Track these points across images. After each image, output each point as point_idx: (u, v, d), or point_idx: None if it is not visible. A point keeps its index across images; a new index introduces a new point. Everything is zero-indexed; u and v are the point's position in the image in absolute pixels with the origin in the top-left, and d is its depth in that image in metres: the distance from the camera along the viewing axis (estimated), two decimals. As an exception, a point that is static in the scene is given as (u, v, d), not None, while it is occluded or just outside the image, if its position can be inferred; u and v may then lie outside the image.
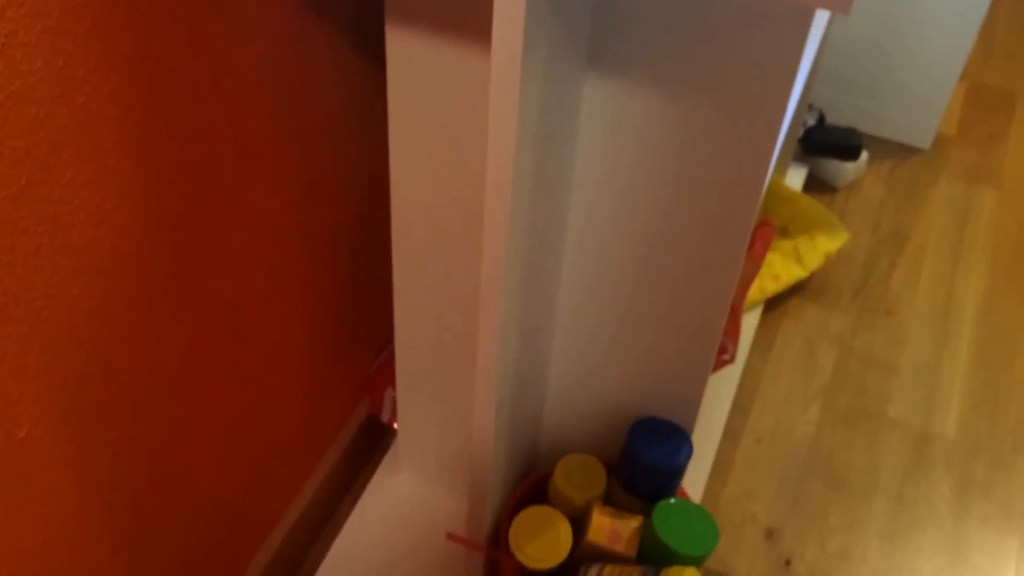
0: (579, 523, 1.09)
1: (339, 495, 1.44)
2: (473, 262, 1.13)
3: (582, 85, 0.93)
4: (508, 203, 0.85)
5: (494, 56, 0.78)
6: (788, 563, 1.41)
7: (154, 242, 0.89)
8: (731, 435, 1.58)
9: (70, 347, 0.83)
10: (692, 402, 1.13)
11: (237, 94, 0.94)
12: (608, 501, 1.13)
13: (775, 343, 1.75)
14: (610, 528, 1.05)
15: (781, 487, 1.51)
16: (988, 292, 1.87)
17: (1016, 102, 2.29)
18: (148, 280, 0.90)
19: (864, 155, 2.07)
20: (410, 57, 0.98)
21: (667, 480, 1.08)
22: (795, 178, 2.04)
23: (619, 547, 1.04)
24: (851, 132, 2.03)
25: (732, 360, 1.51)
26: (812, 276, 1.85)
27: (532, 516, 1.08)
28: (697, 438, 1.52)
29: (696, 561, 1.02)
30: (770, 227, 1.65)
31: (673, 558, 1.01)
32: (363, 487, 1.45)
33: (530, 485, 1.17)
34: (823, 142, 2.03)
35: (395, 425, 1.40)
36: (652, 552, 1.03)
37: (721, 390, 1.62)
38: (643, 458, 1.07)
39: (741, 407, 1.63)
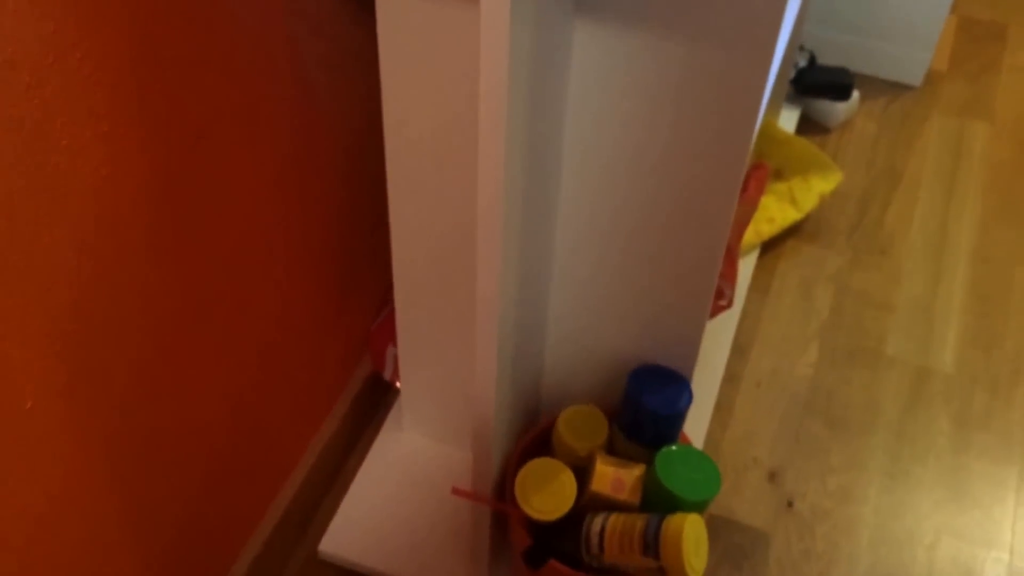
0: (582, 473, 1.11)
1: (345, 453, 1.45)
2: (470, 215, 1.13)
3: (572, 26, 0.92)
4: (502, 145, 0.85)
5: (484, 17, 0.78)
6: (791, 504, 1.43)
7: (153, 201, 0.90)
8: (731, 379, 1.60)
9: (70, 311, 0.83)
10: (691, 347, 1.14)
11: (229, 44, 0.94)
12: (610, 450, 1.14)
13: (772, 285, 1.75)
14: (613, 477, 1.06)
15: (782, 429, 1.53)
16: (982, 226, 1.87)
17: (1007, 34, 2.28)
18: (147, 239, 0.90)
19: (856, 94, 2.06)
20: (400, 8, 0.98)
21: (668, 426, 1.09)
22: (788, 119, 2.04)
23: (623, 495, 1.06)
24: (842, 71, 2.02)
25: (730, 305, 1.51)
26: (807, 217, 1.86)
27: (536, 468, 1.09)
28: (697, 383, 1.53)
29: (699, 507, 1.03)
30: (764, 169, 1.65)
31: (677, 504, 1.02)
32: (368, 445, 1.46)
33: (533, 437, 1.18)
34: (815, 82, 2.02)
35: (398, 383, 1.41)
36: (656, 499, 1.04)
37: (720, 334, 1.63)
38: (644, 405, 1.08)
39: (740, 350, 1.64)
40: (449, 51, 0.99)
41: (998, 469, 1.49)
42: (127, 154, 0.85)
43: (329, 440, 1.38)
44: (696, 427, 1.48)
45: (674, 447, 1.06)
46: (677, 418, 1.09)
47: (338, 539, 1.32)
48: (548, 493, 1.07)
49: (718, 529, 1.40)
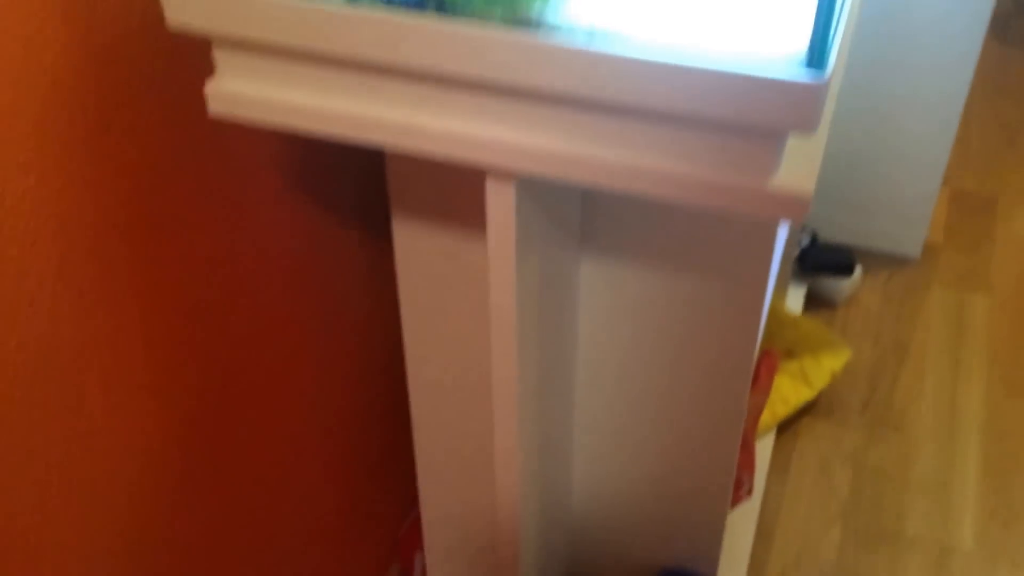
0: None
1: (373, 663, 1.45)
2: (489, 426, 1.16)
3: (577, 262, 0.98)
4: (515, 375, 0.90)
5: (491, 253, 0.83)
6: None
7: (183, 441, 0.94)
8: (757, 566, 1.60)
9: (107, 559, 0.86)
10: (713, 543, 1.16)
11: (253, 289, 1.00)
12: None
13: (791, 466, 1.77)
14: None
15: (809, 616, 1.52)
16: (990, 399, 1.90)
17: (998, 205, 2.36)
18: (176, 478, 0.94)
19: (858, 270, 2.12)
20: (416, 244, 1.04)
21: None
22: (795, 297, 2.09)
23: None
24: (844, 250, 2.09)
25: (750, 493, 1.53)
26: (820, 394, 1.89)
27: None
28: (723, 574, 1.53)
29: None
30: (774, 356, 1.69)
31: None
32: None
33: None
34: (818, 261, 2.08)
35: (423, 590, 1.42)
36: None
37: (743, 521, 1.64)
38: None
39: (764, 535, 1.65)
40: (464, 278, 1.05)
41: (1031, 651, 1.47)
42: (160, 404, 0.89)
43: (357, 652, 1.39)
44: (723, 620, 1.48)
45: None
46: (701, 626, 1.10)
47: None
48: None
49: None
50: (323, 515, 1.24)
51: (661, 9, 0.66)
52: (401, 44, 0.69)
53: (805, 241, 2.10)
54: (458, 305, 1.07)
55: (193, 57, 0.83)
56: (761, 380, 1.60)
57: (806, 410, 1.88)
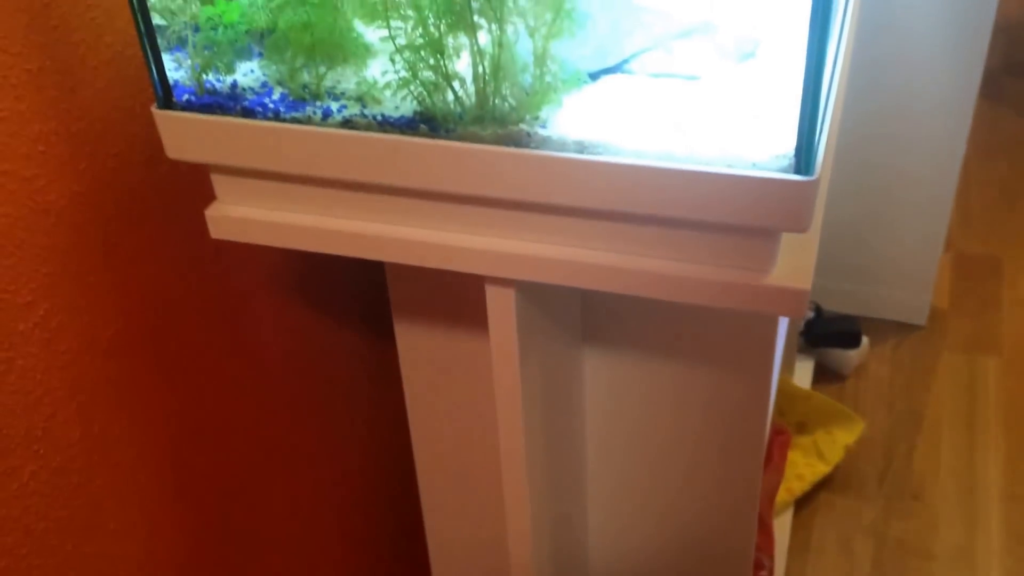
0: None
1: None
2: (502, 514, 1.16)
3: (581, 356, 0.98)
4: (524, 474, 0.90)
5: (494, 355, 0.84)
6: None
7: (194, 553, 0.93)
8: (781, 650, 1.57)
9: None
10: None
11: (260, 398, 1.00)
12: None
13: (811, 543, 1.75)
14: None
15: None
16: (1009, 463, 1.88)
17: (1002, 267, 2.36)
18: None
19: (865, 340, 2.11)
20: (418, 344, 1.04)
21: None
22: (803, 370, 2.08)
23: None
24: (849, 320, 2.09)
25: (771, 574, 1.51)
26: (836, 468, 1.87)
27: None
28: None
29: None
30: (786, 434, 1.68)
31: None
32: None
33: None
34: (824, 334, 2.08)
35: None
36: None
37: (763, 604, 1.62)
38: None
39: (786, 618, 1.62)
40: (467, 375, 1.05)
41: None
42: (170, 521, 0.89)
43: None
44: None
45: None
46: None
47: None
48: None
49: None
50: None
51: (647, 118, 0.67)
52: (394, 164, 0.70)
53: (809, 314, 2.10)
54: (463, 401, 1.07)
55: (194, 181, 0.84)
56: (774, 459, 1.59)
57: (823, 485, 1.86)
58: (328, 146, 0.71)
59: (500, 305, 0.80)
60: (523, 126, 0.67)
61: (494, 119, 0.67)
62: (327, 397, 1.12)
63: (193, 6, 0.69)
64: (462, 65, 0.67)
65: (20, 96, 0.66)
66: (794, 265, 0.70)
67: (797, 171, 0.62)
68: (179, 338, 0.87)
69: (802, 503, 1.83)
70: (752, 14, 0.78)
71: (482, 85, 0.67)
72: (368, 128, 0.70)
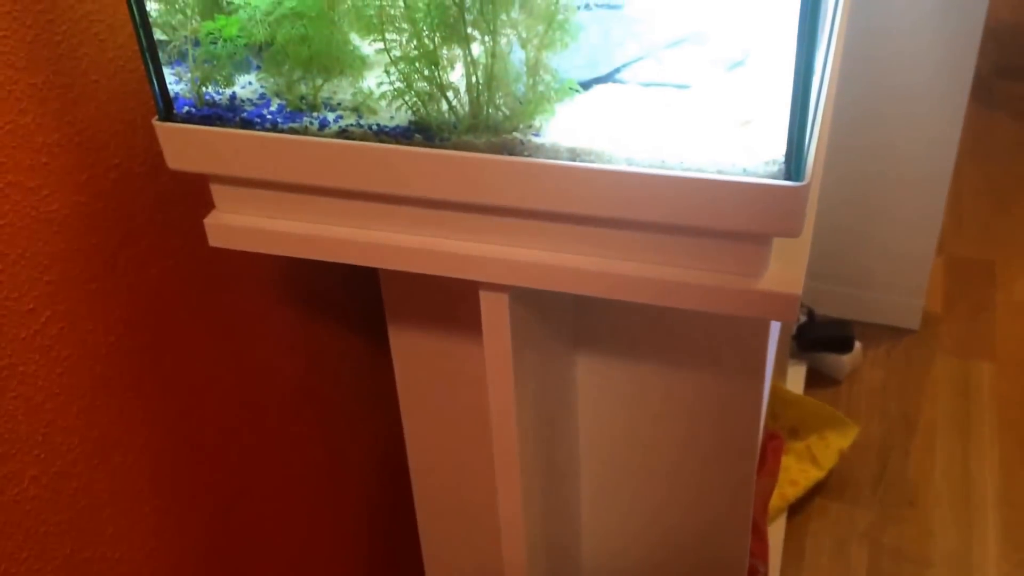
0: None
1: None
2: (495, 519, 1.16)
3: (573, 359, 0.99)
4: (518, 479, 0.91)
5: (488, 360, 0.85)
6: None
7: (191, 559, 0.94)
8: (776, 654, 1.58)
9: None
10: (729, 644, 1.15)
11: (256, 405, 1.01)
12: None
13: (805, 549, 1.76)
14: None
15: None
16: (1004, 468, 1.89)
17: (995, 270, 2.37)
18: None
19: (858, 345, 2.12)
20: (412, 348, 1.05)
21: None
22: (796, 375, 2.09)
23: None
24: (842, 324, 2.10)
25: (764, 579, 1.52)
26: (830, 473, 1.88)
27: None
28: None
29: None
30: (779, 439, 1.69)
31: None
32: None
33: None
34: (817, 338, 2.09)
35: None
36: None
37: (759, 608, 1.62)
38: None
39: (782, 622, 1.63)
40: (461, 379, 1.06)
41: None
42: (167, 525, 0.90)
43: None
44: None
45: None
46: None
47: None
48: None
49: None
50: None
51: (638, 126, 0.69)
52: (390, 173, 0.71)
53: (802, 318, 2.11)
54: (457, 405, 1.08)
55: (192, 191, 0.86)
56: (768, 464, 1.60)
57: (817, 490, 1.87)
58: (325, 155, 0.72)
59: (494, 311, 0.82)
60: (516, 134, 0.68)
61: (488, 128, 0.69)
62: (323, 403, 1.13)
63: (194, 21, 0.70)
64: (456, 75, 0.68)
65: (24, 109, 0.68)
66: (786, 270, 0.71)
67: (787, 177, 0.63)
68: (178, 345, 0.88)
69: (796, 509, 1.84)
70: (741, 23, 0.79)
71: (476, 95, 0.68)
72: (364, 138, 0.71)
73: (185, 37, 0.71)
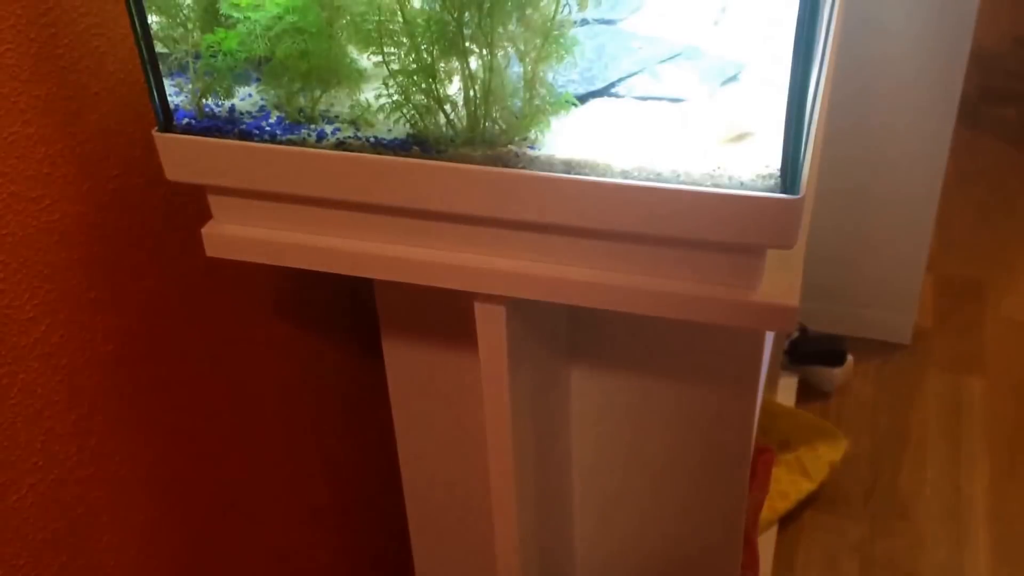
0: None
1: None
2: (489, 532, 1.17)
3: (568, 370, 1.00)
4: (512, 490, 0.91)
5: (483, 371, 0.85)
6: None
7: (186, 567, 0.94)
8: (768, 666, 1.58)
9: None
10: (721, 654, 1.15)
11: (250, 413, 1.01)
12: None
13: (796, 562, 1.77)
14: None
15: None
16: (994, 483, 1.90)
17: (984, 287, 2.39)
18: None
19: (849, 359, 2.14)
20: (406, 359, 1.05)
21: None
22: (787, 388, 2.10)
23: None
24: (834, 339, 2.11)
25: (756, 592, 1.52)
26: (821, 486, 1.89)
27: None
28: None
29: None
30: (770, 452, 1.69)
31: None
32: None
33: None
34: (809, 352, 2.10)
35: None
36: None
37: (750, 621, 1.63)
38: None
39: (773, 635, 1.63)
40: (454, 390, 1.06)
41: None
42: (162, 534, 0.90)
43: None
44: None
45: None
46: None
47: None
48: None
49: None
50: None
51: (634, 139, 0.70)
52: (387, 185, 0.72)
53: (795, 333, 2.12)
54: (449, 415, 1.08)
55: (190, 201, 0.86)
56: (758, 476, 1.60)
57: (808, 503, 1.87)
58: (323, 167, 0.73)
59: (490, 322, 0.82)
60: (512, 147, 0.69)
61: (484, 141, 0.69)
62: (318, 412, 1.14)
63: (194, 34, 0.71)
64: (453, 89, 0.69)
65: (28, 120, 0.68)
66: (781, 282, 0.72)
67: (783, 190, 0.64)
68: (175, 354, 0.88)
69: (787, 521, 1.84)
70: (733, 39, 0.80)
71: (473, 108, 0.69)
72: (361, 150, 0.72)
73: (185, 50, 0.72)
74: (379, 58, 0.68)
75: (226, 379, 0.96)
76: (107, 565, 0.84)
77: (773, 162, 0.66)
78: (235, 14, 0.67)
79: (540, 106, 0.68)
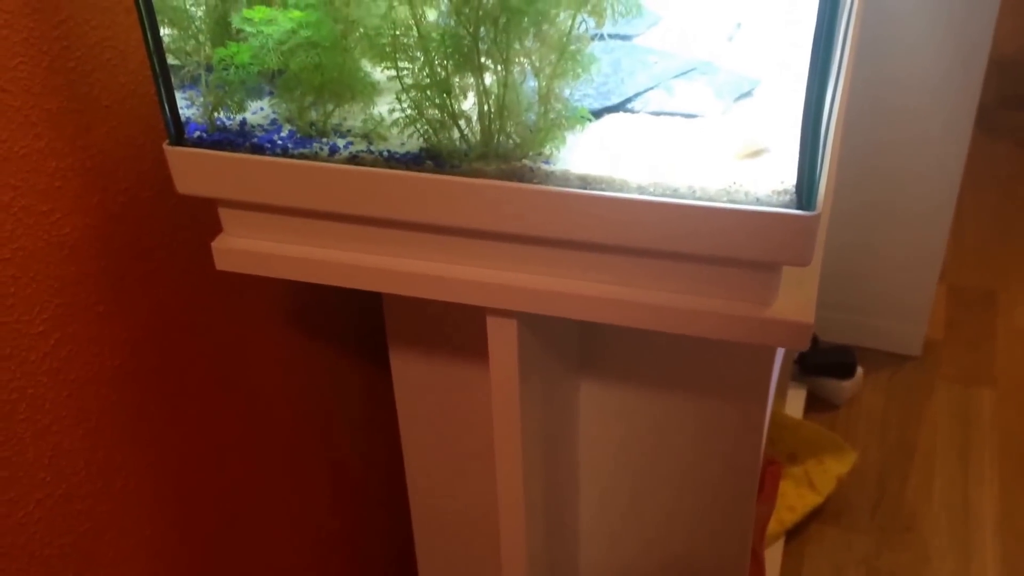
0: None
1: None
2: (494, 545, 1.16)
3: (577, 383, 0.99)
4: (521, 501, 0.91)
5: (494, 384, 0.85)
6: None
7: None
8: None
9: None
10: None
11: (259, 426, 1.01)
12: None
13: (802, 574, 1.76)
14: None
15: None
16: (1003, 496, 1.89)
17: (996, 299, 2.38)
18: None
19: (859, 370, 2.13)
20: (413, 372, 1.05)
21: None
22: (796, 400, 2.09)
23: None
24: (844, 350, 2.10)
25: (764, 605, 1.52)
26: (827, 499, 1.88)
27: None
28: None
29: None
30: (777, 465, 1.68)
31: None
32: None
33: None
34: (818, 363, 2.09)
35: None
36: None
37: (758, 634, 1.62)
38: None
39: (781, 649, 1.62)
40: (462, 404, 1.06)
41: None
42: (168, 550, 0.90)
43: None
44: None
45: None
46: None
47: None
48: None
49: None
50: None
51: (649, 155, 0.69)
52: (400, 199, 0.71)
53: (805, 344, 2.11)
54: (456, 429, 1.08)
55: (199, 215, 0.86)
56: (766, 489, 1.59)
57: (814, 516, 1.86)
58: (336, 181, 0.72)
59: (501, 336, 0.82)
60: (527, 162, 0.68)
61: (498, 155, 0.69)
62: (325, 426, 1.13)
63: (206, 47, 0.71)
64: (468, 104, 0.69)
65: (39, 134, 0.68)
66: (796, 298, 0.71)
67: (799, 206, 0.64)
68: (183, 367, 0.88)
69: (793, 534, 1.83)
70: (749, 55, 0.80)
71: (487, 123, 0.68)
72: (374, 164, 0.71)
73: (197, 63, 0.72)
74: (392, 72, 0.68)
75: (234, 394, 0.96)
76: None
77: (788, 178, 0.65)
78: (248, 28, 0.67)
79: (555, 121, 0.67)
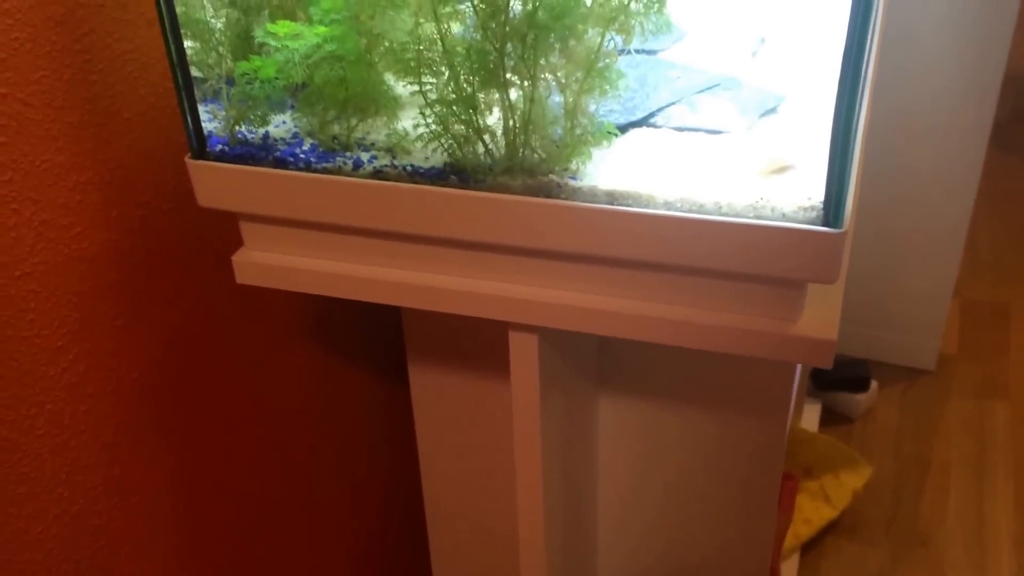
0: None
1: None
2: (513, 560, 1.15)
3: (596, 397, 0.99)
4: (541, 514, 0.90)
5: (515, 398, 0.84)
6: None
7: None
8: None
9: None
10: None
11: (278, 438, 1.00)
12: None
13: (818, 589, 1.74)
14: None
15: None
16: (1017, 510, 1.88)
17: (1010, 313, 2.37)
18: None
19: (874, 384, 2.12)
20: (432, 385, 1.04)
21: None
22: (811, 414, 2.08)
23: None
24: (859, 364, 2.09)
25: (779, 621, 1.50)
26: (843, 513, 1.87)
27: None
28: None
29: None
30: (794, 479, 1.68)
31: None
32: None
33: None
34: (833, 377, 2.08)
35: None
36: None
37: (773, 651, 1.61)
38: None
39: (796, 665, 1.61)
40: (480, 417, 1.05)
41: None
42: (186, 562, 0.89)
43: None
44: None
45: None
46: None
47: None
48: None
49: None
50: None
51: (676, 170, 0.68)
52: (424, 214, 0.71)
53: (819, 357, 2.10)
54: (474, 443, 1.07)
55: (218, 229, 0.85)
56: (782, 503, 1.58)
57: (830, 529, 1.85)
58: (359, 196, 0.71)
59: (523, 351, 0.81)
60: (553, 176, 0.68)
61: (524, 170, 0.68)
62: (343, 440, 1.13)
63: (228, 61, 0.70)
64: (493, 119, 0.68)
65: (60, 148, 0.67)
66: (820, 314, 0.71)
67: (826, 223, 0.63)
68: (200, 382, 0.87)
69: (809, 548, 1.82)
70: (773, 70, 0.79)
71: (512, 138, 0.68)
72: (398, 178, 0.71)
73: (219, 75, 0.71)
74: (416, 87, 0.67)
75: (252, 408, 0.95)
76: (131, 596, 0.82)
77: (815, 194, 0.65)
78: (272, 42, 0.66)
79: (582, 136, 0.67)
